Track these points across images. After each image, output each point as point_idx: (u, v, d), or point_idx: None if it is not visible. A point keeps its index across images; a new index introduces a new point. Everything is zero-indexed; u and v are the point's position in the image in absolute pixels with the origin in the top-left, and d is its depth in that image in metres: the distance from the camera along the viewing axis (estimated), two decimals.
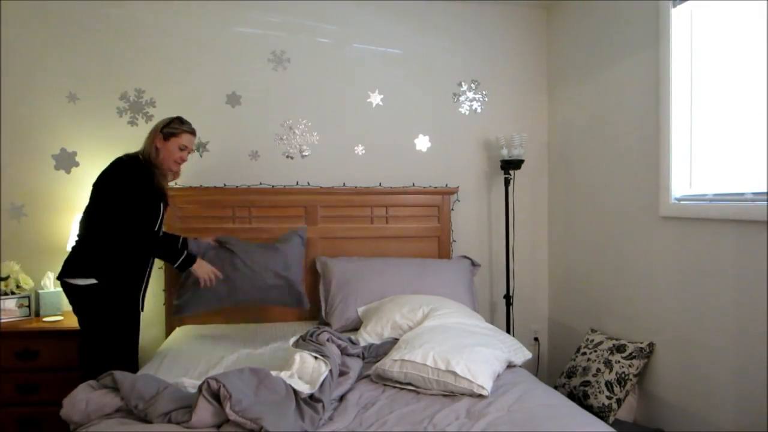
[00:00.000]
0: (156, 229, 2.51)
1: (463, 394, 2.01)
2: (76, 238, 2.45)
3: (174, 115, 3.19)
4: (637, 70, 2.77)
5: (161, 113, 3.21)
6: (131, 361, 2.44)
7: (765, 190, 2.09)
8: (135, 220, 2.37)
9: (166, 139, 2.48)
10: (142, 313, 2.56)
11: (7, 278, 2.92)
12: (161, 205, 2.51)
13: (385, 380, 2.12)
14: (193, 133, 2.57)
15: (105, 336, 2.37)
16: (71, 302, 2.39)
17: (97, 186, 2.43)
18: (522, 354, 2.41)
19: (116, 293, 2.40)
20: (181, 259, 2.49)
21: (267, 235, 3.26)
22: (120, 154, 3.13)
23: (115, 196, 2.35)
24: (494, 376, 2.09)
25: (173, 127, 2.50)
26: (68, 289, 2.37)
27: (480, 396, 1.99)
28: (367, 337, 2.65)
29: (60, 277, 2.38)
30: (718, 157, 2.38)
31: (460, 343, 2.17)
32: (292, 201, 3.31)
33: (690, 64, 2.50)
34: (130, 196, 2.36)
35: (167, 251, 2.56)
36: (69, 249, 2.47)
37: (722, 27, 2.34)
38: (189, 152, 2.59)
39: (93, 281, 2.34)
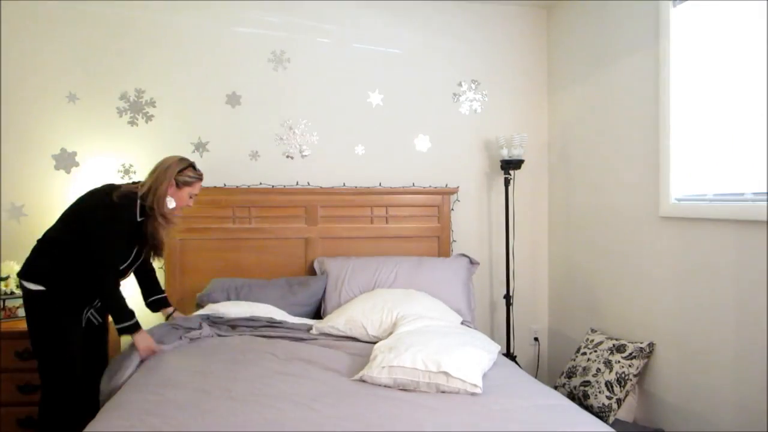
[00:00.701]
0: (123, 267, 2.40)
1: (456, 393, 2.01)
2: (39, 243, 2.35)
3: (174, 115, 3.23)
4: (637, 70, 2.77)
5: (161, 113, 3.22)
6: (72, 372, 2.30)
7: (765, 190, 2.09)
8: (107, 261, 2.28)
9: (178, 187, 2.38)
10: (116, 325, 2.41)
11: (7, 278, 2.92)
12: (137, 249, 2.41)
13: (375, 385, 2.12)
14: (202, 178, 2.49)
15: (46, 344, 2.27)
16: (24, 304, 2.32)
17: (81, 211, 2.33)
18: (494, 347, 2.41)
19: (63, 303, 2.28)
20: (124, 325, 2.30)
21: (267, 236, 3.27)
22: (120, 154, 3.18)
23: (99, 235, 2.25)
24: (482, 373, 2.11)
25: (188, 176, 2.39)
26: (23, 292, 2.31)
27: (473, 395, 2.00)
28: (321, 326, 2.74)
29: (19, 277, 2.32)
30: (718, 157, 2.38)
31: (445, 344, 2.18)
32: (292, 201, 3.31)
33: (690, 64, 2.50)
34: (113, 238, 2.28)
35: (118, 308, 2.31)
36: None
37: (722, 27, 2.34)
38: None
39: (42, 288, 2.26)
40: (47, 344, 2.27)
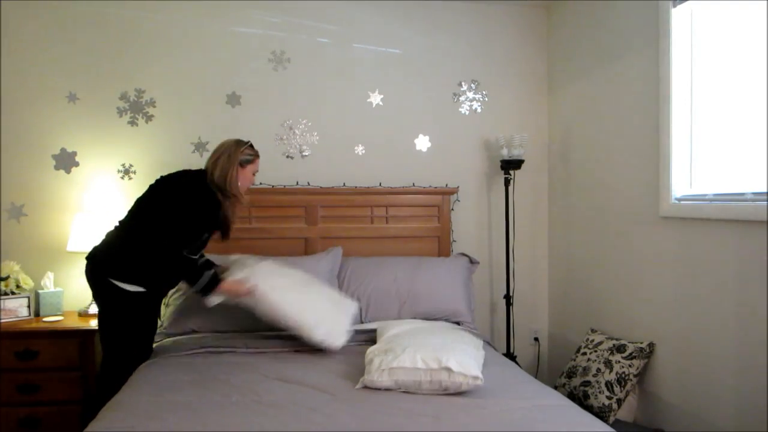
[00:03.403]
0: (197, 256, 2.55)
1: (456, 393, 2.02)
2: (121, 238, 2.40)
3: (174, 115, 3.23)
4: (637, 69, 2.77)
5: (161, 113, 3.22)
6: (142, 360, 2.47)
7: (765, 190, 2.09)
8: (184, 240, 2.39)
9: (242, 167, 2.49)
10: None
11: (7, 278, 2.92)
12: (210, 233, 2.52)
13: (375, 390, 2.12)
14: (259, 156, 2.59)
15: (129, 337, 2.41)
16: (106, 301, 2.38)
17: (170, 194, 2.41)
18: (479, 342, 2.44)
19: (156, 301, 2.49)
20: (203, 285, 2.38)
21: (267, 235, 3.26)
22: (120, 154, 3.18)
23: (188, 214, 2.37)
24: (479, 367, 2.12)
25: (248, 154, 2.51)
26: (111, 289, 2.35)
27: (473, 396, 2.00)
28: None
29: (103, 276, 2.35)
30: (718, 157, 2.38)
31: (439, 343, 2.20)
32: (292, 201, 3.31)
33: (690, 64, 2.50)
34: (200, 219, 2.40)
35: (191, 273, 2.42)
36: (99, 244, 2.45)
37: (722, 27, 2.34)
38: None
39: (141, 289, 2.36)
40: (125, 333, 2.39)
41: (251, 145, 2.55)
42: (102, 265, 2.37)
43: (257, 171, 2.60)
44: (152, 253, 2.35)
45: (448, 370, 2.01)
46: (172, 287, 2.59)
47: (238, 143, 2.51)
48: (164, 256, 2.35)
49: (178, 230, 2.35)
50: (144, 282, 2.37)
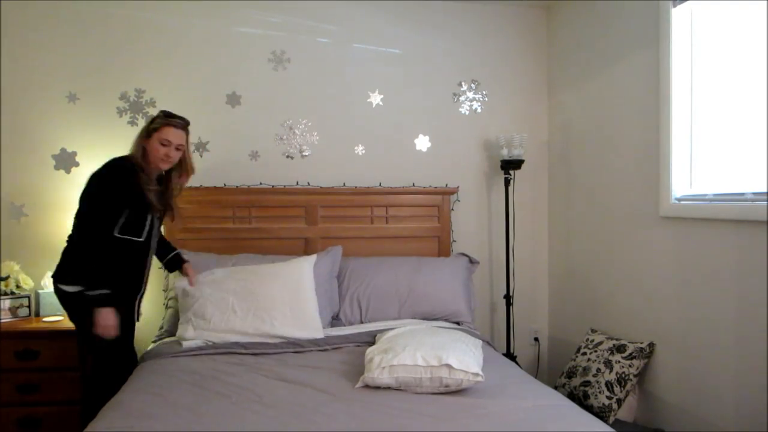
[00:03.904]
0: (143, 239, 2.37)
1: (457, 392, 2.03)
2: (66, 242, 2.41)
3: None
4: (637, 70, 2.77)
5: None
6: (125, 362, 2.41)
7: (765, 190, 2.09)
8: (96, 225, 2.25)
9: (148, 136, 2.33)
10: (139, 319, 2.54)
11: (7, 278, 2.92)
12: (149, 213, 2.37)
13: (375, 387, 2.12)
14: (179, 126, 2.37)
15: (95, 341, 2.30)
16: (63, 307, 2.38)
17: (87, 184, 2.35)
18: (478, 342, 2.45)
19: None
20: (98, 292, 2.23)
21: (267, 236, 3.26)
22: (120, 154, 3.16)
23: (91, 200, 2.29)
24: (479, 365, 2.13)
25: (155, 122, 2.34)
26: (59, 294, 2.36)
27: (473, 396, 2.00)
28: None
29: (55, 284, 2.37)
30: (718, 157, 2.38)
31: (439, 342, 2.22)
32: (292, 201, 3.31)
33: (690, 64, 2.50)
34: (103, 201, 2.26)
35: (96, 272, 2.26)
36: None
37: (722, 27, 2.34)
38: (178, 149, 2.37)
39: (80, 288, 2.27)
40: (97, 346, 2.31)
41: (166, 113, 2.37)
42: (55, 274, 2.38)
43: (168, 140, 2.33)
44: (78, 244, 2.30)
45: (449, 367, 2.02)
46: (115, 283, 2.30)
47: (156, 115, 2.38)
48: (87, 241, 2.27)
49: (92, 212, 2.26)
50: (80, 280, 2.28)
